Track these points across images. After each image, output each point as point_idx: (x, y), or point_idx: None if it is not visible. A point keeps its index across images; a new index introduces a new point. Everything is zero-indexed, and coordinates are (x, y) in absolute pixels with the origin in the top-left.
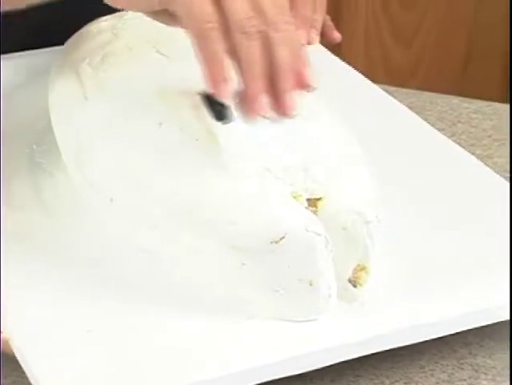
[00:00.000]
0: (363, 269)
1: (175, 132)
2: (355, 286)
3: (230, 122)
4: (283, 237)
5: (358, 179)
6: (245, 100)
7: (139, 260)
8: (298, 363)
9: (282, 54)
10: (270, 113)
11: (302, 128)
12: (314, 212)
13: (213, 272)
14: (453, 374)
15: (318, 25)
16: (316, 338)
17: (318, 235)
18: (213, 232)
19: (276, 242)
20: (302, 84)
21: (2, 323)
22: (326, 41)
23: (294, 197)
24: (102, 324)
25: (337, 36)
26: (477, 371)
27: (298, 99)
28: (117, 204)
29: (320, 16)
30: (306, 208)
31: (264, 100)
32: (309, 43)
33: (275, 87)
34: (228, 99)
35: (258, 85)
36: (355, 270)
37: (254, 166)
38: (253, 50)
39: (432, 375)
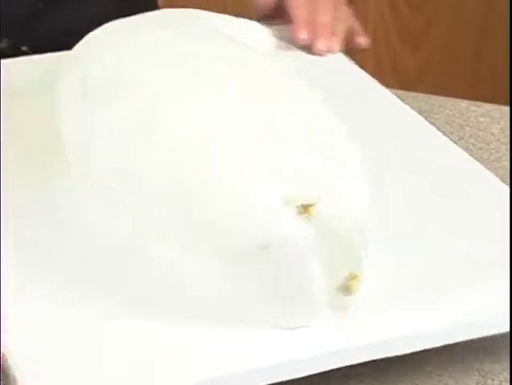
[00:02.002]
0: (354, 277)
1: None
2: (346, 295)
3: None
4: (272, 244)
5: (353, 185)
6: None
7: (137, 264)
8: (290, 369)
9: None
10: None
11: (298, 132)
12: (307, 218)
13: (202, 278)
14: (460, 379)
15: (340, 32)
16: (306, 345)
17: (308, 242)
18: (204, 237)
19: (265, 248)
20: None
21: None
22: (352, 46)
23: (287, 202)
24: (100, 327)
25: (363, 41)
26: (484, 377)
27: None
28: (118, 205)
29: (342, 23)
30: (299, 213)
31: None
32: (329, 51)
33: None
34: None
35: None
36: (347, 279)
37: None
38: None
39: (439, 381)
